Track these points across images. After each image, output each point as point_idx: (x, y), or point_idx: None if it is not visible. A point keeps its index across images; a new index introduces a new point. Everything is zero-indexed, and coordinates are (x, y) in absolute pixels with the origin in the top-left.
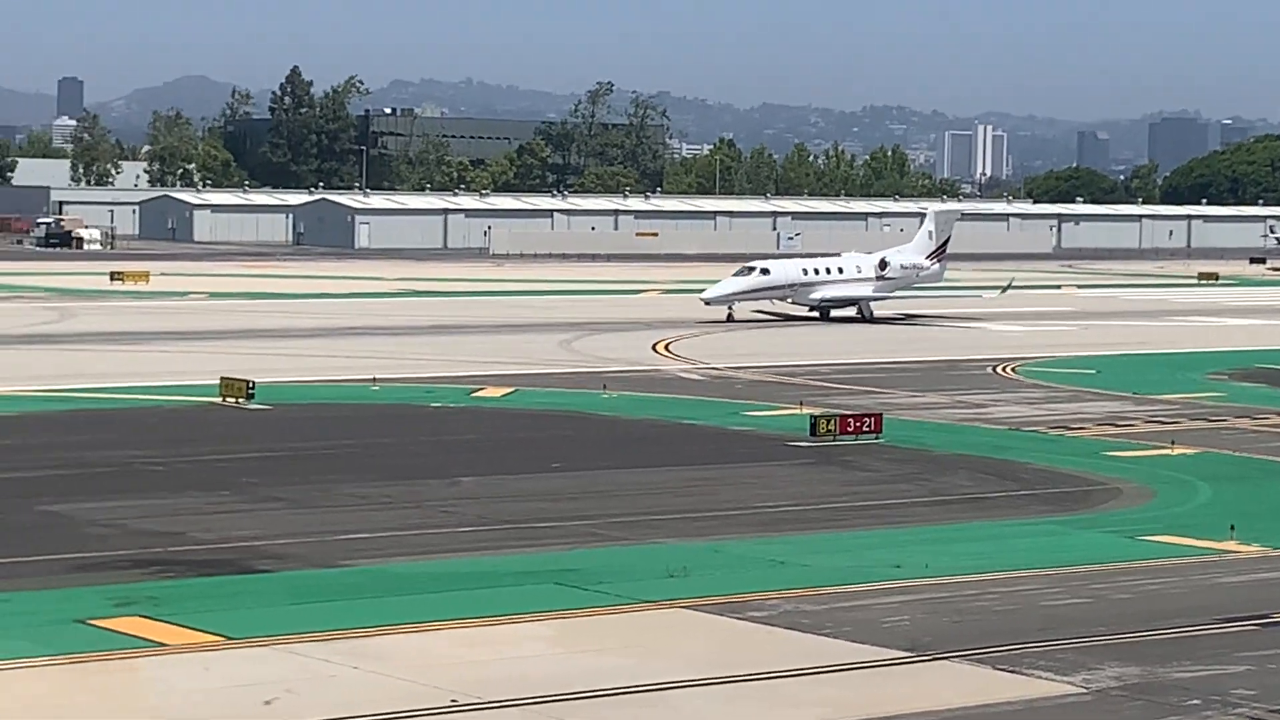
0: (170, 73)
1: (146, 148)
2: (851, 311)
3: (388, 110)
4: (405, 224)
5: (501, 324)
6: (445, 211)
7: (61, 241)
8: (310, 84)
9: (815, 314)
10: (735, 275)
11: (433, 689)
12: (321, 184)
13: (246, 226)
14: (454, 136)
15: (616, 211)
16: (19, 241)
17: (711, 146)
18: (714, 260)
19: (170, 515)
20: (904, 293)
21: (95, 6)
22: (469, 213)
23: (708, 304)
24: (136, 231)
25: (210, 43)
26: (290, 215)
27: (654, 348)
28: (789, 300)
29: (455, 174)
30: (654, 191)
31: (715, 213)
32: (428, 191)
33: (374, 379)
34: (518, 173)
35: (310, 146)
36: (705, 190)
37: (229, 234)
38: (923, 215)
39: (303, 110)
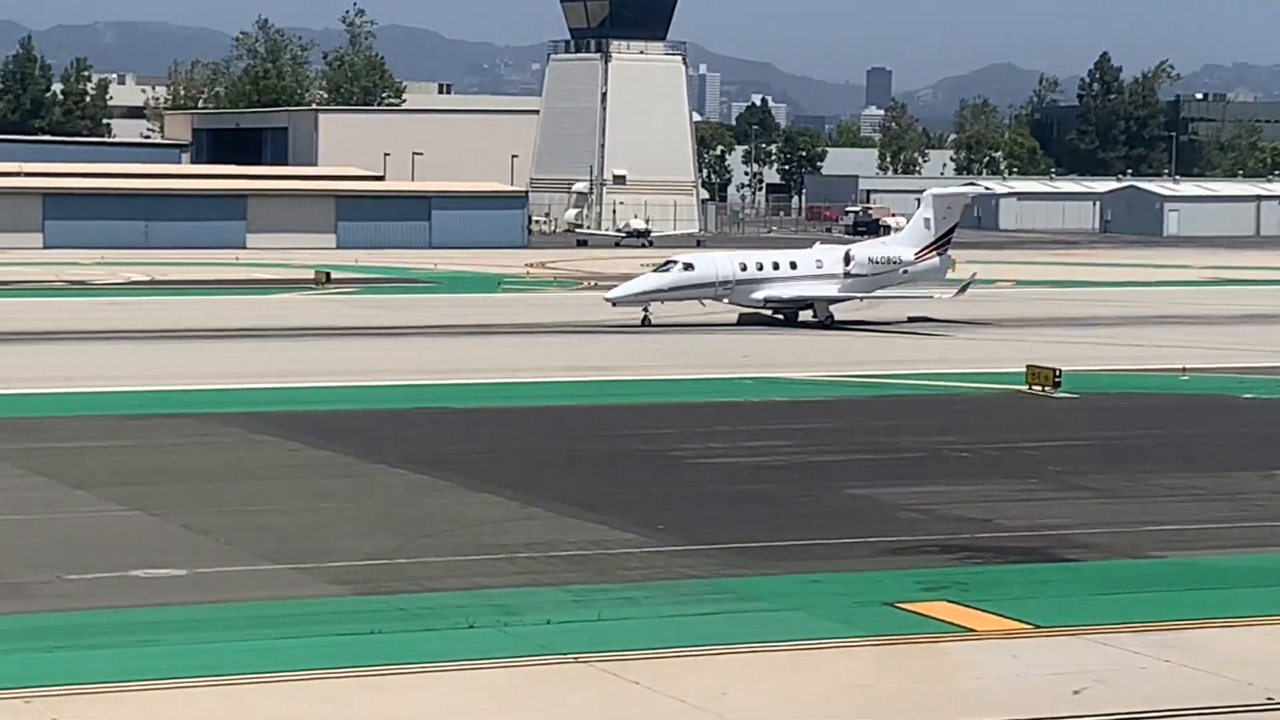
0: (977, 61)
1: (953, 136)
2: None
3: (1199, 95)
4: (1215, 211)
5: None
6: (1258, 199)
7: (869, 229)
8: (1119, 70)
9: (776, 315)
10: (654, 271)
11: (1246, 685)
12: (1130, 171)
13: (1052, 214)
14: (1268, 122)
15: None
16: (829, 229)
17: None
18: None
19: (978, 501)
20: (893, 292)
21: None
22: None
23: (614, 305)
24: None
25: (1017, 31)
26: (1097, 203)
27: None
28: (724, 300)
29: (1269, 160)
30: None
31: None
32: (1239, 178)
33: (1183, 368)
34: None
35: (1118, 133)
36: None
37: (1034, 221)
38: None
39: (1111, 97)
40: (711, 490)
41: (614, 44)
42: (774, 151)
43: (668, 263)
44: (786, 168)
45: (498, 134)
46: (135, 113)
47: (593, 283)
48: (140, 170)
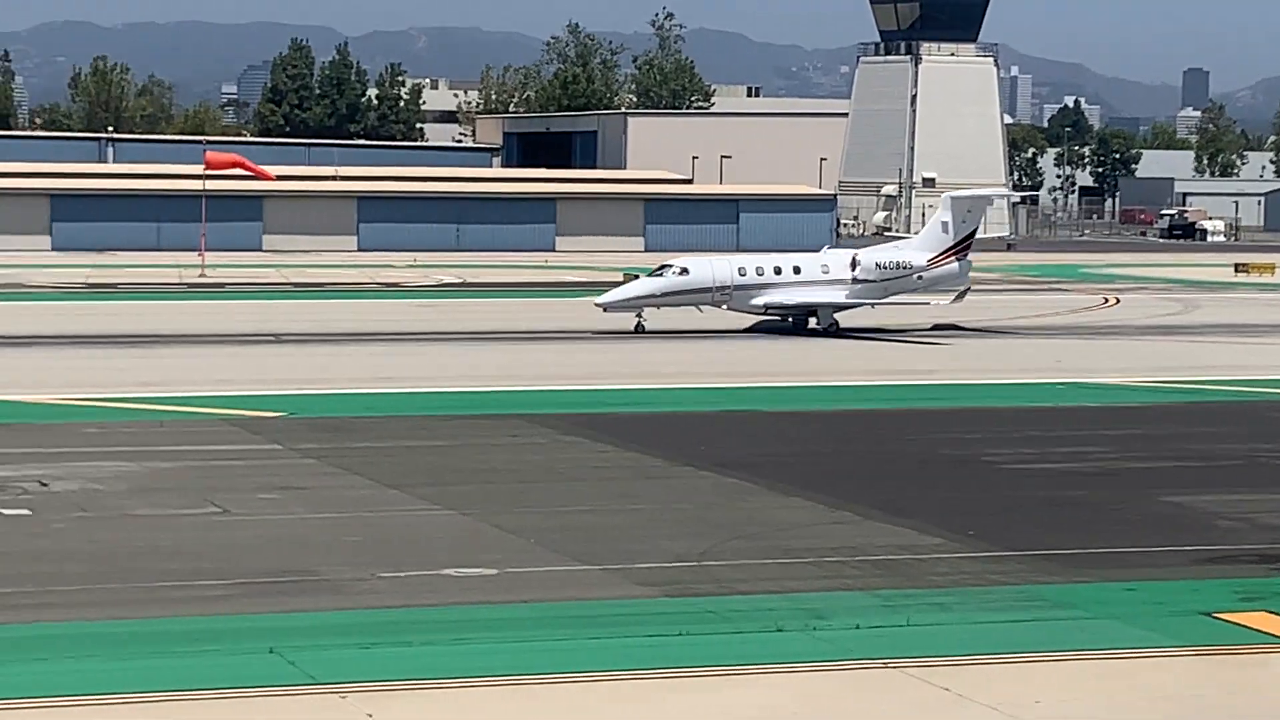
0: None
1: (1272, 138)
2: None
3: None
4: None
5: None
6: None
7: (1184, 233)
8: None
9: (786, 321)
10: (650, 276)
11: None
12: None
13: None
14: None
15: None
16: (1143, 233)
17: None
18: None
19: None
20: (905, 299)
21: None
22: None
23: (605, 310)
24: (1261, 223)
25: None
26: None
27: None
28: (724, 306)
29: None
30: None
31: None
32: None
33: None
34: None
35: None
36: None
37: None
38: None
39: None
40: (1022, 496)
41: (924, 46)
42: (1087, 154)
43: (662, 267)
44: (1100, 170)
45: (806, 137)
46: (448, 117)
47: None
48: (452, 174)
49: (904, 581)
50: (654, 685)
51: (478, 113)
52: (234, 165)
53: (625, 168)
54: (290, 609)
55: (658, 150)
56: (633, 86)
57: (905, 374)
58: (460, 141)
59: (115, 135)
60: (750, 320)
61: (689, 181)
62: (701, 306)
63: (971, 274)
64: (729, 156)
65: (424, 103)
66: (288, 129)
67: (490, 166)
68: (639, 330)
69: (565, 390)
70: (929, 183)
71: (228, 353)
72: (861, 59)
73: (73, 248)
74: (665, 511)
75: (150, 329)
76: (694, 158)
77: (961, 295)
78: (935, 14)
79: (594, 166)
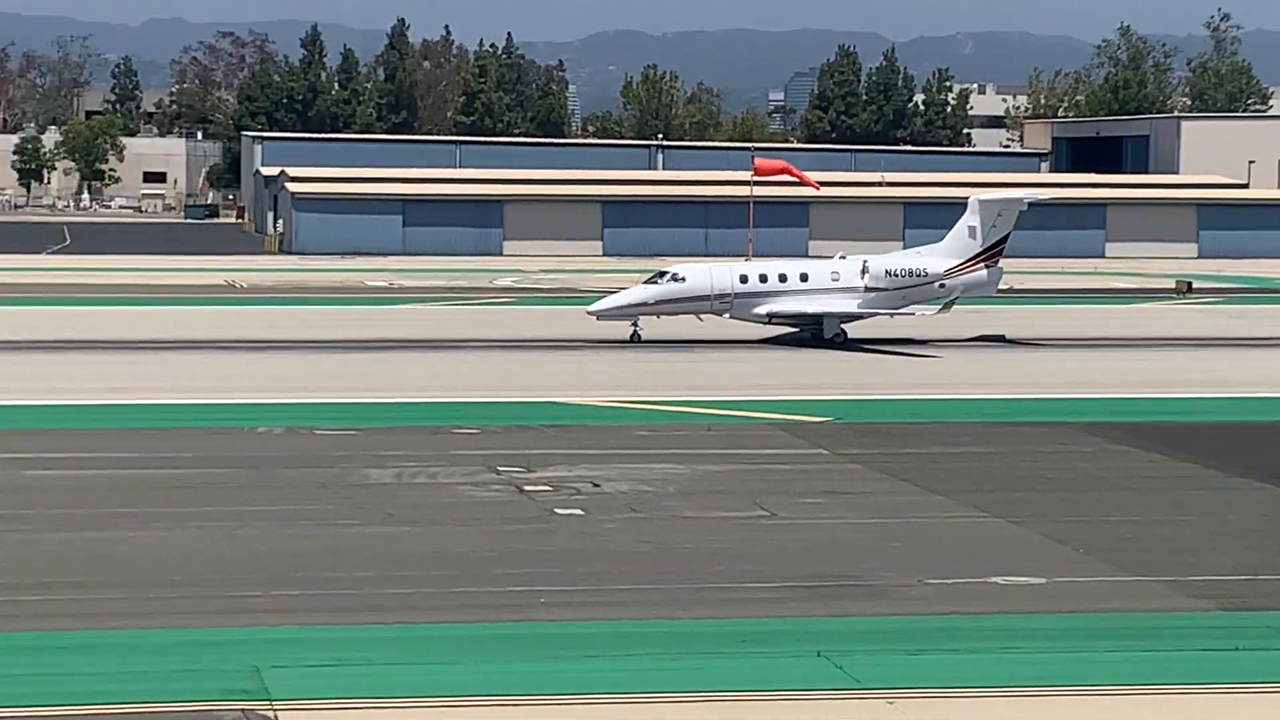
0: None
1: None
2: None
3: None
4: None
5: None
6: None
7: None
8: None
9: (803, 332)
10: (644, 283)
11: None
12: None
13: None
14: None
15: None
16: None
17: None
18: None
19: None
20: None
21: None
22: None
23: (598, 319)
24: None
25: None
26: None
27: None
28: (726, 315)
29: None
30: None
31: None
32: None
33: None
34: None
35: None
36: None
37: None
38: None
39: None
40: None
41: None
42: None
43: (659, 274)
44: None
45: None
46: (995, 122)
47: None
48: (998, 179)
49: None
50: (1210, 700)
51: (1026, 118)
52: (781, 172)
53: (1178, 173)
54: (837, 613)
55: (1212, 155)
56: (1186, 90)
57: None
58: (1007, 146)
59: (664, 142)
60: (765, 331)
61: (1244, 186)
62: (701, 315)
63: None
64: None
65: (971, 108)
66: (833, 135)
67: (1038, 171)
68: (634, 340)
69: (1116, 398)
70: None
71: (773, 356)
72: None
73: (623, 253)
74: (1217, 523)
75: (699, 333)
76: (1250, 163)
77: (948, 306)
78: None
79: (1145, 172)
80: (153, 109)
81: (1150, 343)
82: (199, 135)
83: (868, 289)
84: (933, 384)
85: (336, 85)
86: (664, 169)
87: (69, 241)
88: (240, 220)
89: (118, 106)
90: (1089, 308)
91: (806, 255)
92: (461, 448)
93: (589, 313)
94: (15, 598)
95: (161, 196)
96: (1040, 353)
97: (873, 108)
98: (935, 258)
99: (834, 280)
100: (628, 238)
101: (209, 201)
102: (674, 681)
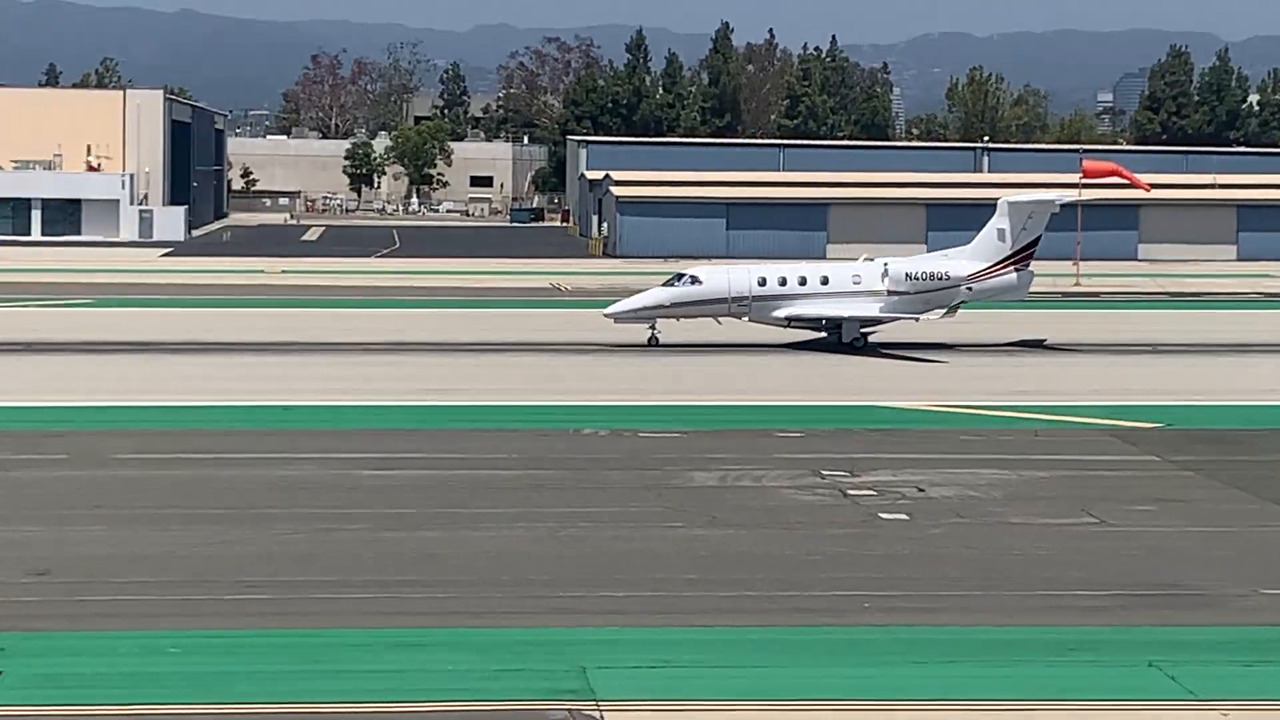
0: None
1: None
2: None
3: None
4: None
5: None
6: None
7: None
8: None
9: (822, 335)
10: (662, 286)
11: None
12: None
13: None
14: None
15: None
16: None
17: None
18: None
19: None
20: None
21: None
22: None
23: (615, 321)
24: None
25: None
26: None
27: None
28: (745, 318)
29: None
30: None
31: None
32: None
33: None
34: None
35: None
36: None
37: None
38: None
39: None
40: None
41: None
42: None
43: (676, 276)
44: None
45: None
46: None
47: None
48: None
49: None
50: None
51: None
52: (1111, 174)
53: None
54: (1169, 623)
55: None
56: None
57: None
58: None
59: (990, 144)
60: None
61: None
62: (720, 318)
63: None
64: None
65: None
66: (1164, 136)
67: None
68: (653, 343)
69: None
70: None
71: (1105, 361)
72: None
73: None
74: None
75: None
76: None
77: (953, 310)
78: None
79: None
80: (480, 114)
81: None
82: (525, 140)
83: (889, 292)
84: (1265, 390)
85: (661, 89)
86: (989, 171)
87: (398, 245)
88: (565, 224)
89: (445, 112)
90: None
91: (1135, 258)
92: (785, 451)
93: (606, 315)
94: (345, 594)
95: (488, 200)
96: None
97: (1205, 109)
98: (960, 260)
99: (855, 283)
100: (951, 241)
101: (534, 205)
102: (1001, 689)
